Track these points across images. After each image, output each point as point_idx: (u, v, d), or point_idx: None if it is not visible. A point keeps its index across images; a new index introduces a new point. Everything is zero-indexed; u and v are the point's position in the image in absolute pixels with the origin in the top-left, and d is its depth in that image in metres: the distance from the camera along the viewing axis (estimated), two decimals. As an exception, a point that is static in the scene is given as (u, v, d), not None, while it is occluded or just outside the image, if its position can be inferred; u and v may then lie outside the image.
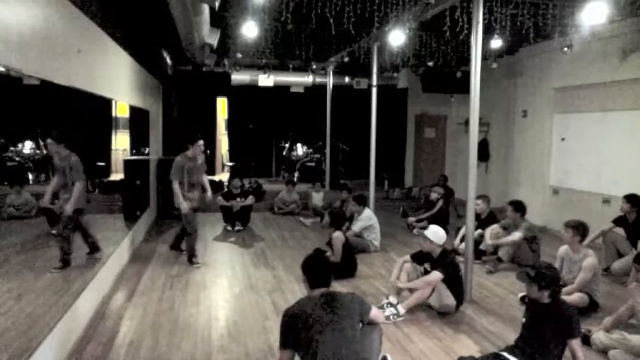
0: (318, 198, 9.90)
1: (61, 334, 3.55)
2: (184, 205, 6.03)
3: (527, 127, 9.40)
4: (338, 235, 5.88)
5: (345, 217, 6.57)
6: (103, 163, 11.30)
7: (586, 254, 4.66)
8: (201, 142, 6.18)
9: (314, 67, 10.94)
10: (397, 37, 6.50)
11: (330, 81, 11.06)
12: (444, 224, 5.75)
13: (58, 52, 3.58)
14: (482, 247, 6.45)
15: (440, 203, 8.53)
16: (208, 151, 12.66)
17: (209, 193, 6.49)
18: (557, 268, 3.78)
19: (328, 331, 2.61)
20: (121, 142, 13.11)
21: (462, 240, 6.49)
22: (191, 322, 4.37)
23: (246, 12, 6.40)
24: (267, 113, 12.62)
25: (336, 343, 2.60)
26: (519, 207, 6.26)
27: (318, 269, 2.93)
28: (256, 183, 10.98)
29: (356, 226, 6.90)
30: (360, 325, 2.84)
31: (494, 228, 6.48)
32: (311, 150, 12.52)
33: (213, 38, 7.65)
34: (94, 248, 5.27)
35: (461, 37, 6.24)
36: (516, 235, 6.10)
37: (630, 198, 5.95)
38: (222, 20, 7.22)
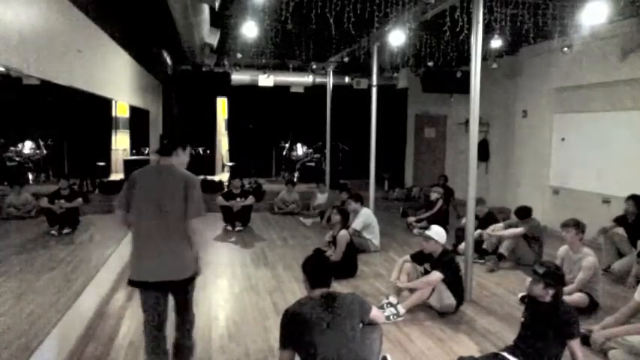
0: (322, 198, 9.90)
1: (61, 334, 3.55)
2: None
3: (527, 127, 9.40)
4: (344, 234, 5.88)
5: (349, 215, 6.56)
6: (103, 163, 11.33)
7: (586, 254, 4.66)
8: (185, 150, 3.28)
9: (314, 67, 10.94)
10: (397, 37, 6.50)
11: (330, 81, 11.06)
12: (443, 224, 5.75)
13: (58, 52, 3.58)
14: (484, 246, 6.46)
15: (440, 203, 8.53)
16: (208, 151, 12.74)
17: (195, 248, 3.14)
18: (562, 270, 3.78)
19: (328, 332, 2.61)
20: (121, 142, 13.10)
21: (460, 240, 6.52)
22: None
23: (246, 12, 6.41)
24: (267, 113, 12.64)
25: (336, 343, 2.60)
26: (529, 212, 6.35)
27: (318, 269, 2.93)
28: (256, 183, 10.98)
29: (356, 223, 6.88)
30: (361, 325, 2.84)
31: (497, 226, 6.52)
32: (311, 150, 12.53)
33: (213, 38, 7.66)
34: None
35: (461, 37, 6.24)
36: (518, 230, 6.17)
37: (636, 199, 5.92)
38: (222, 20, 7.22)
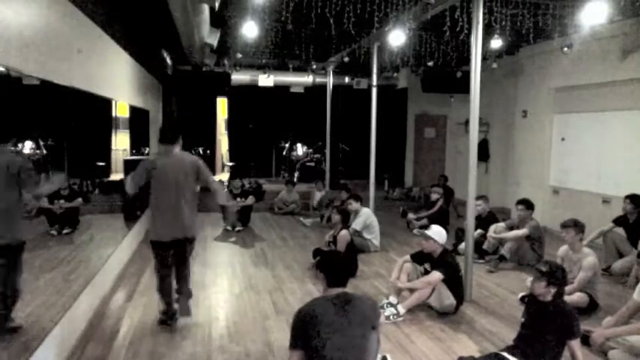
0: (320, 197, 9.90)
1: (61, 334, 3.55)
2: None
3: (527, 127, 9.40)
4: (345, 234, 5.89)
5: (349, 215, 6.57)
6: (103, 163, 11.31)
7: (586, 254, 4.66)
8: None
9: (314, 67, 10.94)
10: (397, 37, 6.49)
11: (330, 81, 11.06)
12: (443, 224, 5.75)
13: (58, 52, 3.58)
14: (485, 246, 6.46)
15: (439, 203, 8.53)
16: (208, 151, 12.72)
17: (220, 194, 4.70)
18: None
19: (337, 336, 2.57)
20: (121, 142, 13.10)
21: (460, 240, 6.51)
22: (191, 322, 4.37)
23: (246, 12, 6.41)
24: (267, 113, 12.63)
25: (344, 348, 2.57)
26: (530, 205, 6.30)
27: (339, 268, 2.84)
28: (256, 183, 10.97)
29: (357, 223, 6.88)
30: (372, 329, 2.77)
31: (498, 226, 6.50)
32: (311, 150, 12.53)
33: (213, 38, 7.66)
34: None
35: (461, 37, 6.24)
36: (522, 231, 6.14)
37: (634, 198, 5.93)
38: (222, 20, 7.22)
